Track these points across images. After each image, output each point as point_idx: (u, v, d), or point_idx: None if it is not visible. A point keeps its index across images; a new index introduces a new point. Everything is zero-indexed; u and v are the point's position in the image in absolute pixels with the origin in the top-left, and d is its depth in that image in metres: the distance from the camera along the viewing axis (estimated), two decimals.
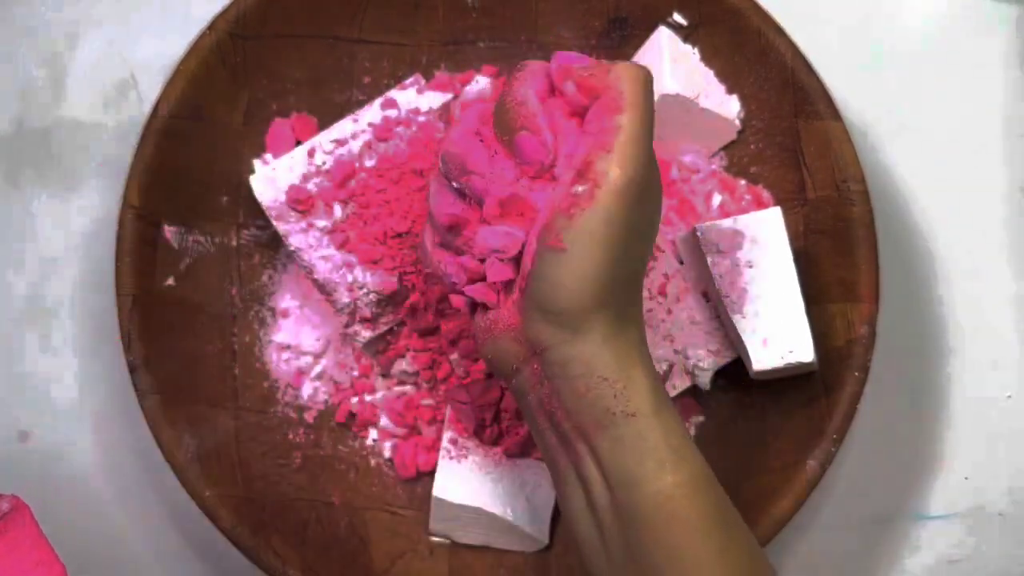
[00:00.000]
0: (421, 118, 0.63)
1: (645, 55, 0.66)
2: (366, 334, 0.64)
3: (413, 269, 0.62)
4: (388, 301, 0.63)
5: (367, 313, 0.63)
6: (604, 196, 0.46)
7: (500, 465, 0.62)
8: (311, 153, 0.63)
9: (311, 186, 0.62)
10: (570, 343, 0.48)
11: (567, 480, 0.50)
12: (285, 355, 0.66)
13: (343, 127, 0.63)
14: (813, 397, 0.62)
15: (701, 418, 0.66)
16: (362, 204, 0.62)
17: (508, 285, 0.50)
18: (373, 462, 0.65)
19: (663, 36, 0.66)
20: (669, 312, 0.63)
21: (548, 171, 0.49)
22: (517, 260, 0.50)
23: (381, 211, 0.62)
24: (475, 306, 0.52)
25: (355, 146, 0.63)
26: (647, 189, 0.48)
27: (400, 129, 0.63)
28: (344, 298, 0.62)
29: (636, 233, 0.48)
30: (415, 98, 0.64)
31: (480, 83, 0.67)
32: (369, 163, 0.62)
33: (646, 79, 0.48)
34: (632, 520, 0.47)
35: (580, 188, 0.47)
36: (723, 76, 0.67)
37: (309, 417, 0.66)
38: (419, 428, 0.65)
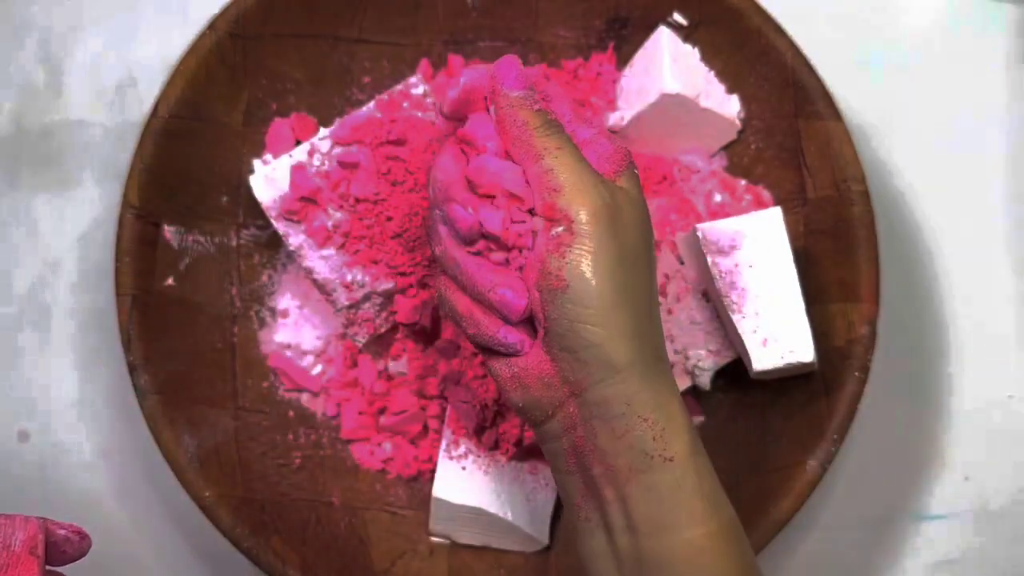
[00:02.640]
0: (420, 116, 0.63)
1: (645, 55, 0.66)
2: (366, 334, 0.64)
3: (412, 270, 0.62)
4: (388, 301, 0.63)
5: (367, 313, 0.63)
6: (581, 226, 0.47)
7: (500, 465, 0.62)
8: (310, 153, 0.63)
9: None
10: (609, 381, 0.47)
11: (588, 524, 0.49)
12: (285, 355, 0.66)
13: (342, 127, 0.63)
14: (813, 397, 0.62)
15: (701, 418, 0.65)
16: (361, 204, 0.62)
17: (531, 329, 0.49)
18: (373, 462, 0.65)
19: (663, 36, 0.66)
20: (669, 312, 0.63)
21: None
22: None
23: (380, 211, 0.61)
24: (486, 350, 0.51)
25: (354, 146, 0.63)
26: (616, 203, 0.48)
27: (399, 129, 0.63)
28: (344, 298, 0.62)
29: (630, 249, 0.48)
30: (415, 98, 0.64)
31: None
32: (368, 163, 0.62)
33: (543, 121, 0.49)
34: (657, 568, 0.47)
35: (558, 229, 0.47)
36: (723, 76, 0.67)
37: (309, 417, 0.66)
38: (419, 428, 0.65)
